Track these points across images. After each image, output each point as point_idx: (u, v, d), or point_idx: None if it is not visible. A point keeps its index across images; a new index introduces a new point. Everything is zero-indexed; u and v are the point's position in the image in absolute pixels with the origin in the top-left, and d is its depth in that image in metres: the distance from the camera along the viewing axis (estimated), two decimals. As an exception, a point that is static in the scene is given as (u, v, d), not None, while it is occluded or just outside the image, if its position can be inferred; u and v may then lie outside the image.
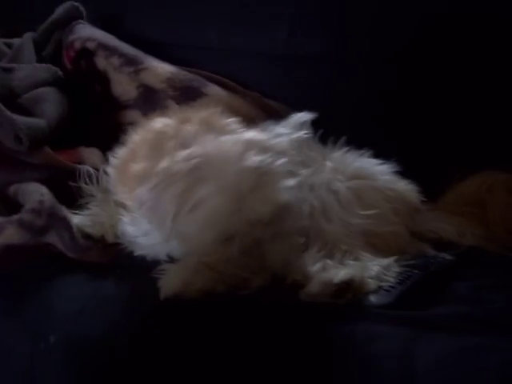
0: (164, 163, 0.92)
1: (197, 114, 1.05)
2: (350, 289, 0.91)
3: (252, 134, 0.97)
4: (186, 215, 0.89)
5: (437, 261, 1.03)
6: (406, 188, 1.16)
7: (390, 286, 0.94)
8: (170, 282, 0.91)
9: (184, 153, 0.91)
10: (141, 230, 1.02)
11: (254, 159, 0.89)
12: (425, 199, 1.17)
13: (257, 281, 0.89)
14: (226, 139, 0.94)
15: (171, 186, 0.90)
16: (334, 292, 0.91)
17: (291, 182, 0.93)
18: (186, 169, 0.89)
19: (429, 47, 1.31)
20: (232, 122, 1.04)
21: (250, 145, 0.92)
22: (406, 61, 1.35)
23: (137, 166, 0.99)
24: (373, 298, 0.92)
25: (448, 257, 1.05)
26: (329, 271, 0.94)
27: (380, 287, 0.95)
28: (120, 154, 1.10)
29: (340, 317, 0.87)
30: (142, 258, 1.04)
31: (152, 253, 1.02)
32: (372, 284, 0.95)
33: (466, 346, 0.80)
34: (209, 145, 0.93)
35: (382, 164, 1.16)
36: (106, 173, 1.13)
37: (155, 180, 0.92)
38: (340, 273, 0.93)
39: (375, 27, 1.35)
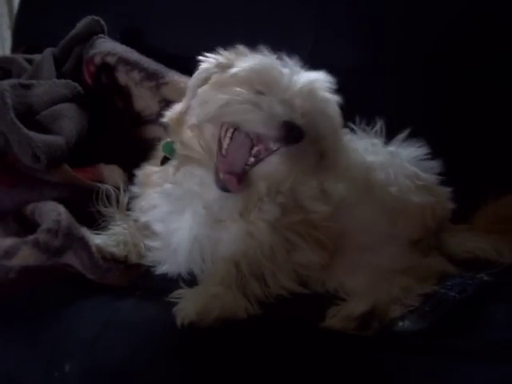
0: None
1: None
2: (374, 318, 0.86)
3: None
4: None
5: (474, 282, 0.97)
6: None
7: (426, 310, 0.89)
8: (185, 310, 0.86)
9: None
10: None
11: None
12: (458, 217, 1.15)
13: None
14: None
15: None
16: (358, 325, 0.86)
17: None
18: None
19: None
20: None
21: None
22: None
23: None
24: (406, 324, 0.87)
25: (486, 277, 0.99)
26: (348, 303, 0.90)
27: (413, 311, 0.89)
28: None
29: (368, 347, 0.82)
30: (163, 279, 1.02)
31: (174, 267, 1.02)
32: (397, 309, 0.89)
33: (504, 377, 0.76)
34: None
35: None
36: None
37: None
38: (360, 303, 0.88)
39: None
